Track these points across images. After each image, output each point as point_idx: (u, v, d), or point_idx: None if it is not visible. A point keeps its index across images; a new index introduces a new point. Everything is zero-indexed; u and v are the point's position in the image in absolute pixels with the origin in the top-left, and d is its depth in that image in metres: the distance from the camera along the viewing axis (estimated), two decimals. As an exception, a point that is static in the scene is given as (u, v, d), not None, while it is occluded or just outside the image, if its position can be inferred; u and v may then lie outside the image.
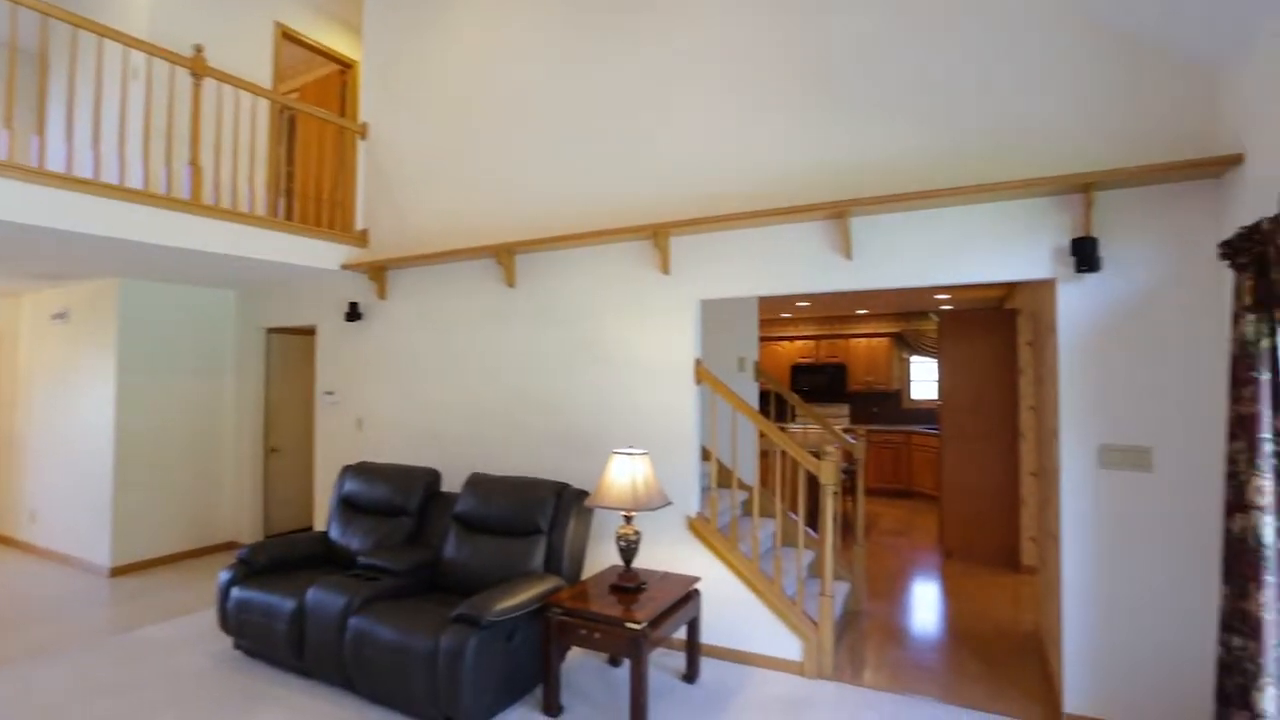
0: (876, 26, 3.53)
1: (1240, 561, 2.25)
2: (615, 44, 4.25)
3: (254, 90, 4.53)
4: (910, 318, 9.12)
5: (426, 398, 4.86)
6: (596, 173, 4.27)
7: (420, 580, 3.67)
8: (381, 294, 5.09)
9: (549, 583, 3.33)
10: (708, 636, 3.76)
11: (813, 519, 5.14)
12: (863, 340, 9.31)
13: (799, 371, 9.61)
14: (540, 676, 3.25)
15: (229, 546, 6.12)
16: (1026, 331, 5.47)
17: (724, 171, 3.86)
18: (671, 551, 3.89)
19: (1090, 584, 3.03)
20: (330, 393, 5.36)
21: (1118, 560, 2.99)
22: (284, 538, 4.16)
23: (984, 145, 3.28)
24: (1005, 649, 3.94)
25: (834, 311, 9.19)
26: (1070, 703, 3.05)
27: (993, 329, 5.75)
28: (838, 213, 3.40)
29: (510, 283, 4.48)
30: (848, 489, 6.88)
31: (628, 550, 3.29)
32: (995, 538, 5.65)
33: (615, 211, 4.15)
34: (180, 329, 5.80)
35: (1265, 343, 2.21)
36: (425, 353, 4.88)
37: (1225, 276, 2.79)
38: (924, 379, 9.10)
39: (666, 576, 3.51)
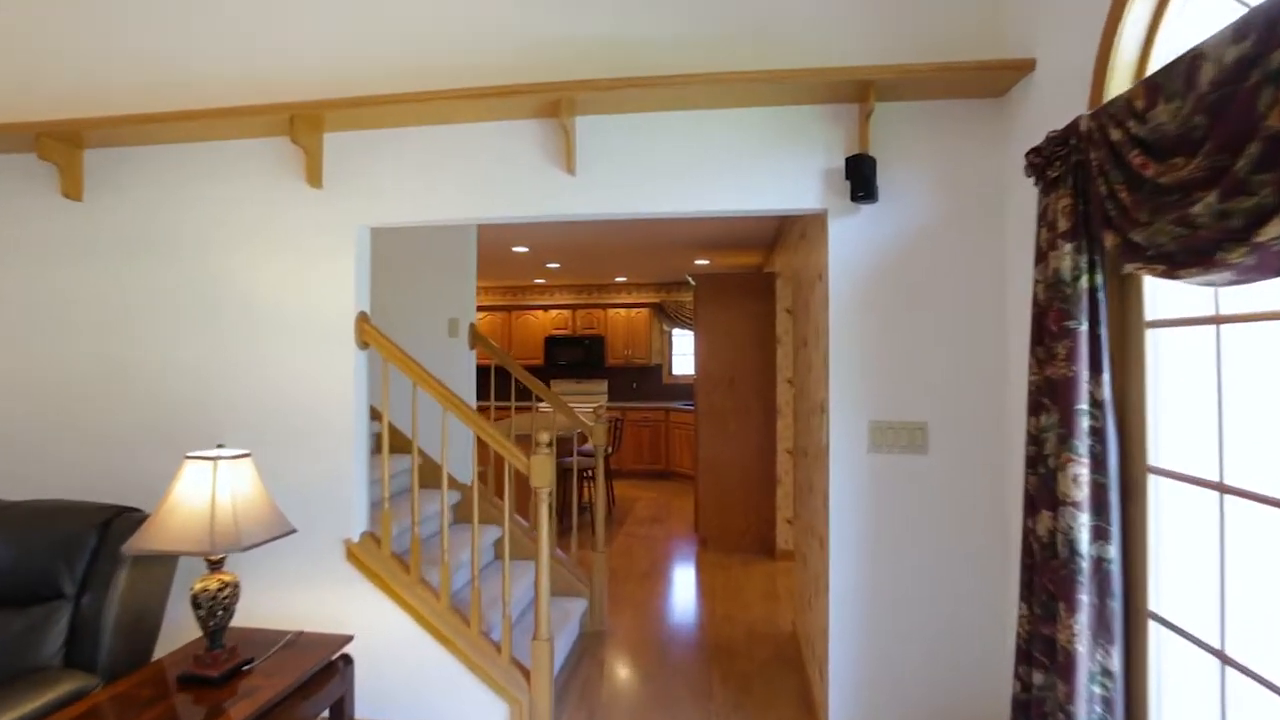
0: None
1: (1046, 574, 1.68)
2: None
3: None
4: (670, 287, 8.68)
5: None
6: (217, 37, 2.79)
7: None
8: None
9: (58, 689, 1.91)
10: (376, 712, 2.60)
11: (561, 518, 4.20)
12: (622, 311, 8.65)
13: (554, 344, 8.68)
14: None
15: None
16: (786, 297, 5.07)
17: (404, 48, 2.65)
18: (326, 594, 2.64)
19: (859, 589, 2.42)
20: None
21: (892, 565, 2.41)
22: None
23: (744, 36, 2.49)
24: (762, 661, 3.34)
25: (590, 278, 8.41)
26: (834, 734, 2.44)
27: (751, 295, 5.28)
28: (555, 102, 2.38)
29: (74, 193, 2.83)
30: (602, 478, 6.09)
31: (209, 617, 1.99)
32: (751, 523, 5.23)
33: (244, 93, 2.73)
34: None
35: (1084, 281, 1.63)
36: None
37: (1009, 210, 2.30)
38: (685, 353, 8.74)
39: (298, 640, 2.26)
